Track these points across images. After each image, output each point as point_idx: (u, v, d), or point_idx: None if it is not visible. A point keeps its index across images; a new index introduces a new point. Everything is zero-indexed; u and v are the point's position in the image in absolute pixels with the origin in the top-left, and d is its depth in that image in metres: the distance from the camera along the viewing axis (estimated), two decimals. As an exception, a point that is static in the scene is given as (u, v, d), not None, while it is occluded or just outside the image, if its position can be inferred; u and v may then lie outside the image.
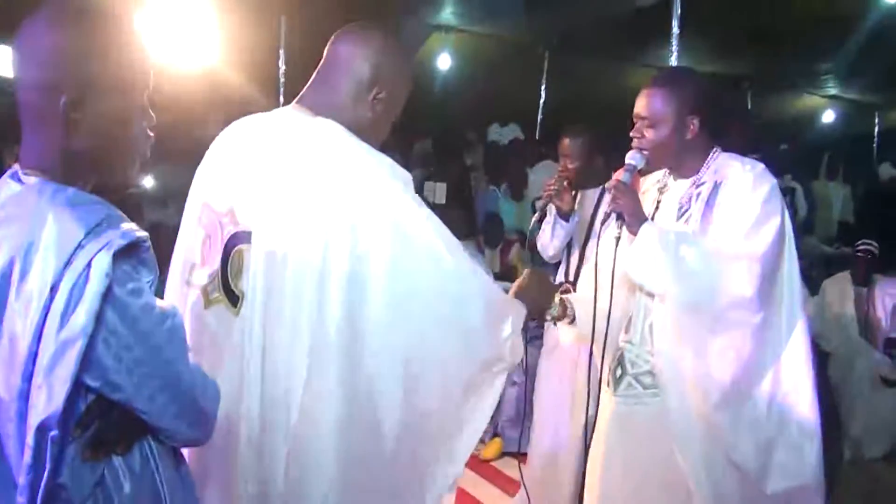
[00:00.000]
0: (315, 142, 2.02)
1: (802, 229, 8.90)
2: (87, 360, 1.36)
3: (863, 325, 6.06)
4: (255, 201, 1.99)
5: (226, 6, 6.64)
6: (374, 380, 1.97)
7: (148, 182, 5.84)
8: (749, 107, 10.02)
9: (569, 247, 4.16)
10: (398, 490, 2.12)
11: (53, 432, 1.35)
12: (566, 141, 4.13)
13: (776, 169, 7.93)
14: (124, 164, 1.62)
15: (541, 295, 2.68)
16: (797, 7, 6.80)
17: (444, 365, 2.09)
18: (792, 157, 9.65)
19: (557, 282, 4.09)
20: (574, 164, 4.07)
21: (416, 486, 2.15)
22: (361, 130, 2.08)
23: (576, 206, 4.07)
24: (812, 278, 6.38)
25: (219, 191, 2.09)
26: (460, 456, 2.20)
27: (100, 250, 1.36)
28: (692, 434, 2.57)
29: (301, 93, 2.20)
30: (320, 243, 1.89)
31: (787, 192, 8.48)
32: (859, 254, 6.14)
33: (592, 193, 4.15)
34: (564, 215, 4.01)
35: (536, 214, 4.11)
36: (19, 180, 1.50)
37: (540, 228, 4.16)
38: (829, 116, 11.67)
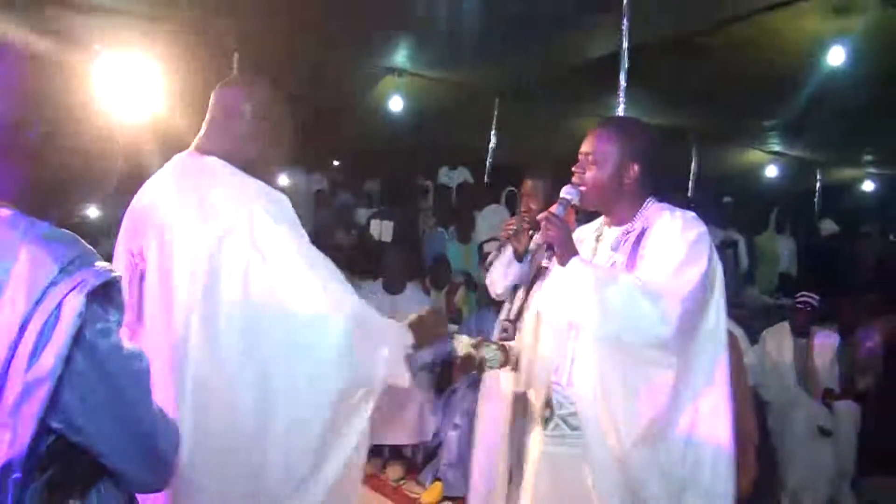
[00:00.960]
0: (194, 176, 2.27)
1: (745, 280, 9.04)
2: (52, 401, 1.32)
3: (801, 376, 6.15)
4: (150, 236, 2.20)
5: (181, 46, 6.67)
6: (229, 391, 2.09)
7: (93, 212, 5.78)
8: (694, 159, 10.19)
9: (515, 286, 4.19)
10: None
11: (16, 475, 1.32)
12: (529, 182, 4.17)
13: (719, 221, 8.07)
14: (91, 195, 1.63)
15: (434, 329, 2.75)
16: (743, 65, 6.97)
17: (300, 383, 2.18)
18: (735, 209, 9.81)
19: (500, 320, 4.11)
20: (537, 206, 4.09)
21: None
22: (252, 164, 2.32)
23: (530, 247, 4.11)
24: (752, 328, 6.47)
25: (132, 236, 2.29)
26: (322, 484, 2.25)
27: (72, 289, 1.34)
28: (608, 474, 2.56)
29: (196, 138, 2.42)
30: (188, 265, 2.10)
31: (729, 245, 8.63)
32: (799, 305, 6.24)
33: None
34: (519, 256, 4.04)
35: (493, 253, 4.14)
36: None
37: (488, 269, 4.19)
38: (772, 171, 11.93)
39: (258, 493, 2.17)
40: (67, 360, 1.32)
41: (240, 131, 2.35)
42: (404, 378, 2.43)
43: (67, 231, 1.48)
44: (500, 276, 4.06)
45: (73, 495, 1.46)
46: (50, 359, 1.31)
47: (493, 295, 4.24)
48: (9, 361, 1.31)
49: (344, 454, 2.29)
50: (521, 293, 4.13)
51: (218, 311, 2.08)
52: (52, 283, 1.34)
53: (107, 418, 1.41)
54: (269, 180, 2.36)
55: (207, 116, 2.42)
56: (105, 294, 1.40)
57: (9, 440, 1.31)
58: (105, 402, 1.40)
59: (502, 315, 4.18)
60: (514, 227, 3.96)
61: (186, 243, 2.12)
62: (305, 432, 2.20)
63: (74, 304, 1.33)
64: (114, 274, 1.42)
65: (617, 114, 5.21)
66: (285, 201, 2.28)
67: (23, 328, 1.32)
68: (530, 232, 4.05)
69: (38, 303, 1.33)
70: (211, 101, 2.43)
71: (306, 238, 2.27)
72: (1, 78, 1.48)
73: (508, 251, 4.00)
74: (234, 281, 2.09)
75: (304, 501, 2.23)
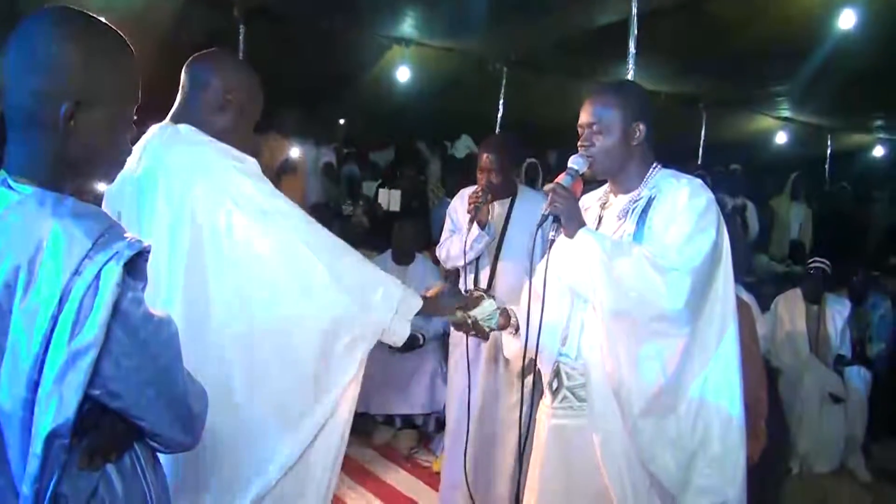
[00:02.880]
0: (167, 141, 2.38)
1: (755, 246, 9.01)
2: (92, 369, 1.38)
3: (813, 342, 6.15)
4: (126, 200, 2.32)
5: (187, 19, 6.66)
6: (220, 344, 2.22)
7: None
8: (704, 126, 10.14)
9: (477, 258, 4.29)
10: (239, 457, 2.29)
11: (64, 440, 1.38)
12: (485, 156, 4.21)
13: (727, 188, 8.00)
14: (108, 172, 1.69)
15: (443, 301, 2.78)
16: (753, 31, 6.90)
17: (289, 324, 2.30)
18: (744, 176, 9.76)
19: (466, 289, 4.14)
20: (497, 179, 4.16)
21: (259, 453, 2.31)
22: (220, 134, 2.43)
23: (490, 217, 4.16)
24: (764, 296, 6.47)
25: (111, 202, 2.38)
26: (307, 428, 2.36)
27: (108, 261, 1.38)
28: (617, 446, 2.57)
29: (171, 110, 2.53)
30: (166, 221, 2.23)
31: (738, 210, 8.59)
32: (811, 272, 6.23)
33: (501, 204, 4.28)
34: (483, 227, 4.09)
35: (446, 231, 4.27)
36: (11, 188, 1.49)
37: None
38: (782, 138, 11.86)
39: (252, 432, 2.28)
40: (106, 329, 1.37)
41: (209, 104, 2.46)
42: (399, 335, 2.50)
43: (93, 205, 1.51)
44: (465, 248, 4.10)
45: (111, 458, 1.53)
46: (93, 328, 1.36)
47: (449, 266, 4.35)
48: (50, 332, 1.36)
49: (333, 398, 2.39)
50: (488, 264, 4.23)
51: (204, 262, 2.22)
52: (87, 256, 1.38)
53: (142, 383, 1.47)
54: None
55: (181, 88, 2.53)
56: (133, 264, 1.44)
57: (56, 407, 1.36)
58: (139, 367, 1.45)
59: (468, 284, 4.24)
60: (482, 200, 4.00)
61: (164, 201, 2.25)
62: (295, 374, 2.32)
63: (113, 274, 1.38)
64: (144, 244, 1.46)
65: (631, 80, 5.17)
66: (253, 162, 2.41)
67: (62, 300, 1.36)
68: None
69: (74, 275, 1.36)
70: (183, 73, 2.53)
71: (282, 196, 2.40)
72: (34, 51, 1.50)
73: (474, 225, 4.05)
74: (216, 232, 2.22)
75: (296, 440, 2.34)
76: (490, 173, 4.18)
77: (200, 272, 2.21)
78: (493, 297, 2.92)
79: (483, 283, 4.26)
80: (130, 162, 2.32)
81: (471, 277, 4.32)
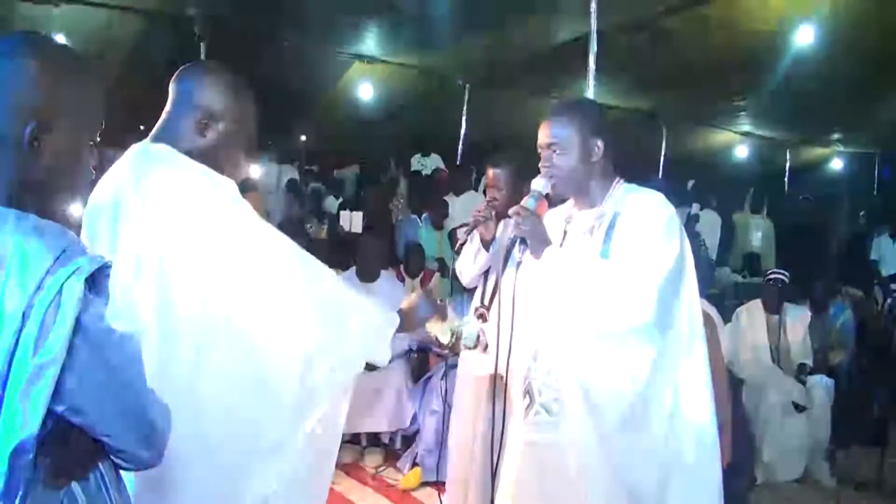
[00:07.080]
0: (140, 163, 2.20)
1: (715, 260, 9.10)
2: (55, 385, 1.37)
3: (775, 352, 6.24)
4: (101, 222, 2.17)
5: (148, 35, 6.62)
6: (194, 373, 2.09)
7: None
8: (664, 141, 10.23)
9: (486, 273, 4.17)
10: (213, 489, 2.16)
11: (29, 456, 1.36)
12: (491, 171, 4.13)
13: (686, 200, 8.03)
14: (71, 193, 1.65)
15: (422, 313, 2.72)
16: (711, 46, 7.00)
17: (266, 354, 2.18)
18: (704, 189, 9.86)
19: (473, 307, 4.10)
20: (501, 194, 4.07)
21: (235, 483, 2.20)
22: (200, 155, 2.23)
23: (497, 235, 4.08)
24: (724, 307, 6.54)
25: (86, 228, 2.23)
26: (287, 458, 2.28)
27: (70, 276, 1.37)
28: (593, 461, 2.58)
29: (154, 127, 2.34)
30: (135, 244, 2.07)
31: (694, 219, 8.69)
32: (770, 282, 6.32)
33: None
34: (486, 244, 4.01)
35: (460, 242, 4.13)
36: None
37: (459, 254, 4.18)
38: (742, 151, 11.99)
39: (226, 462, 2.18)
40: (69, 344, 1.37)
41: (188, 124, 2.26)
42: (381, 360, 2.47)
43: (54, 223, 1.50)
44: (469, 263, 4.03)
45: (76, 476, 1.51)
46: (56, 343, 1.35)
47: (463, 283, 4.22)
48: (13, 348, 1.35)
49: (319, 412, 2.35)
50: (492, 279, 4.12)
51: (172, 296, 2.07)
52: (49, 272, 1.37)
53: (105, 399, 1.46)
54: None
55: (167, 104, 2.32)
56: (95, 279, 1.43)
57: (20, 423, 1.35)
58: (103, 383, 1.45)
59: (475, 301, 4.17)
60: (484, 216, 3.92)
61: (137, 225, 2.10)
62: (270, 403, 2.23)
63: (74, 289, 1.37)
64: (105, 260, 1.45)
65: (587, 97, 5.20)
66: (231, 184, 2.24)
67: (25, 316, 1.35)
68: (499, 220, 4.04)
69: (37, 291, 1.36)
70: (170, 87, 2.32)
71: (259, 220, 2.26)
72: (3, 68, 1.50)
73: (476, 239, 3.98)
74: (191, 259, 2.09)
75: (274, 471, 2.25)
76: (494, 189, 4.11)
77: (167, 289, 2.07)
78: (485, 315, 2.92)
79: (486, 299, 4.16)
80: (105, 184, 2.23)
81: (479, 293, 4.25)
